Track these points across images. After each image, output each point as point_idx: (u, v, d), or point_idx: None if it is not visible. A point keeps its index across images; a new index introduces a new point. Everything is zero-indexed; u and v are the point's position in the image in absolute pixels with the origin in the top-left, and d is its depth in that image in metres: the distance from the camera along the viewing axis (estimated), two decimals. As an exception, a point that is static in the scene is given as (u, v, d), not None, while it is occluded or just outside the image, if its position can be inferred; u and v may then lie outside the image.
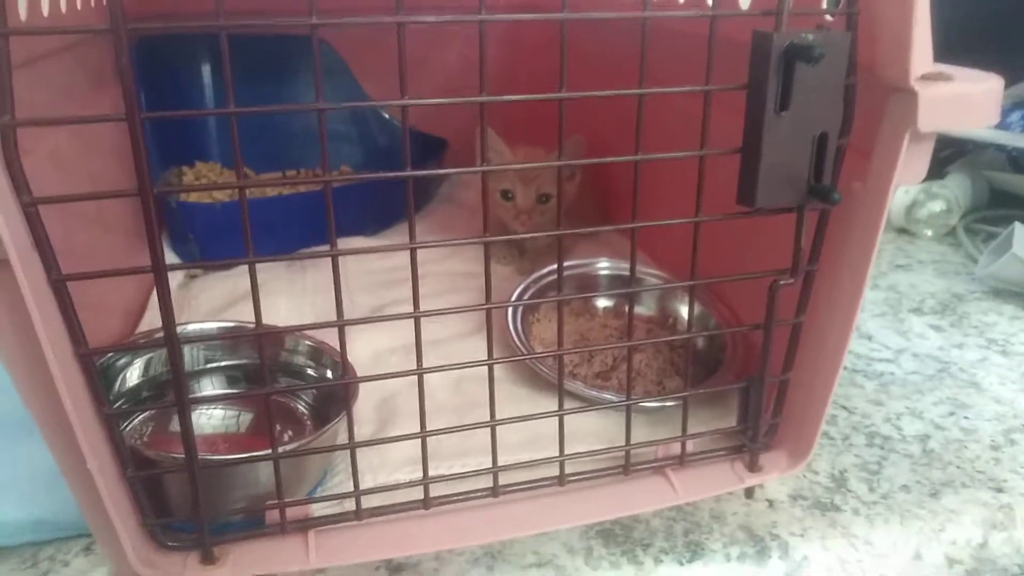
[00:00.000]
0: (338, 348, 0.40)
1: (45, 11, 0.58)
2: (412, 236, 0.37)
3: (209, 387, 0.55)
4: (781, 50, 0.37)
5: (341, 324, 0.39)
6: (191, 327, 0.54)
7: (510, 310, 0.63)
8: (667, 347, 0.63)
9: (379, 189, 0.89)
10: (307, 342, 0.56)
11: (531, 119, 0.78)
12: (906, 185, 0.43)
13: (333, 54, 1.02)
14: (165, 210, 0.79)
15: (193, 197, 0.88)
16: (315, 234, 0.82)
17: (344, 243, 0.82)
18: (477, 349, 0.62)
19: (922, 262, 0.96)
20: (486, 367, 0.42)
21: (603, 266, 0.70)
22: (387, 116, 1.07)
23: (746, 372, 0.59)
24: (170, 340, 0.36)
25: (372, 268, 0.79)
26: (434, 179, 1.04)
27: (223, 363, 0.55)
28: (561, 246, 0.42)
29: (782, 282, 0.43)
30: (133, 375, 0.52)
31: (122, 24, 0.29)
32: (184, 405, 0.37)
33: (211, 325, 0.55)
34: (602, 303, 0.68)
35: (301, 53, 1.01)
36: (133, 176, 0.32)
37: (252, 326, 0.51)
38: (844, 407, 0.65)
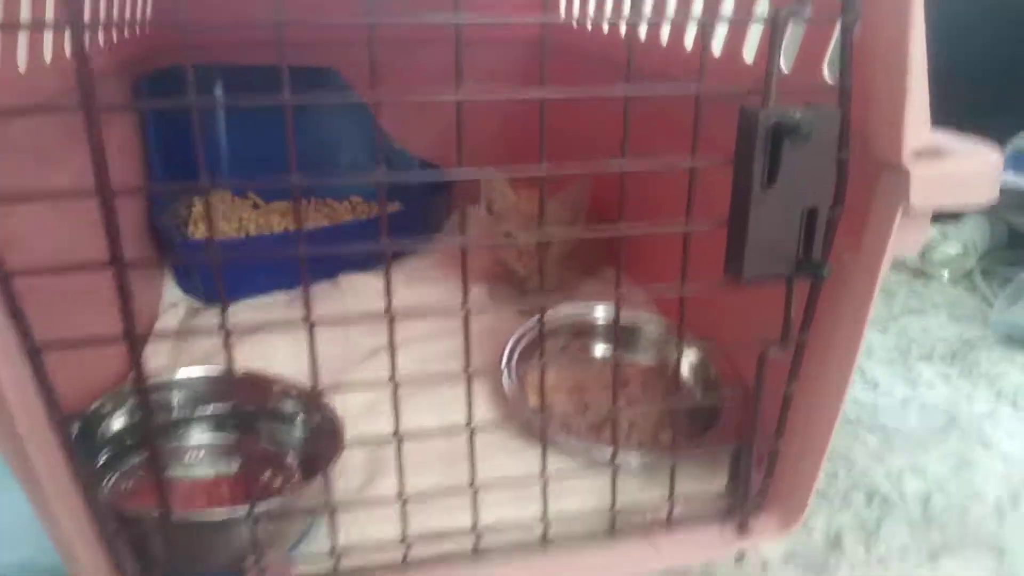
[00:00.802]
0: (330, 392, 0.40)
1: (22, 67, 0.55)
2: (388, 305, 0.37)
3: (198, 433, 0.55)
4: (768, 127, 0.36)
5: (320, 389, 0.39)
6: (180, 375, 0.54)
7: (506, 353, 0.63)
8: (663, 398, 0.63)
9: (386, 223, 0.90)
10: (297, 387, 0.55)
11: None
12: (902, 255, 0.42)
13: (344, 83, 1.03)
14: (169, 246, 0.79)
15: (200, 232, 0.89)
16: (321, 268, 0.82)
17: (347, 279, 0.82)
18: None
19: (936, 306, 0.94)
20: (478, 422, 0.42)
21: (601, 312, 0.69)
22: (398, 147, 1.08)
23: (744, 427, 0.58)
24: (145, 410, 0.36)
25: (378, 308, 0.78)
26: (444, 209, 1.04)
27: (211, 410, 0.55)
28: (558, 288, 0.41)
29: (772, 352, 0.43)
30: (118, 422, 0.51)
31: (93, 103, 0.29)
32: (159, 472, 0.37)
33: (198, 371, 0.55)
34: (600, 351, 0.68)
35: (316, 81, 1.01)
36: (128, 211, 0.32)
37: (240, 373, 0.52)
38: (845, 460, 0.64)
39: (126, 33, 0.82)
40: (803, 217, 0.39)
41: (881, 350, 0.82)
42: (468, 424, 0.41)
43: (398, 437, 0.40)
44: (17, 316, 0.33)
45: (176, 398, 0.54)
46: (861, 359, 0.79)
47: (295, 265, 0.79)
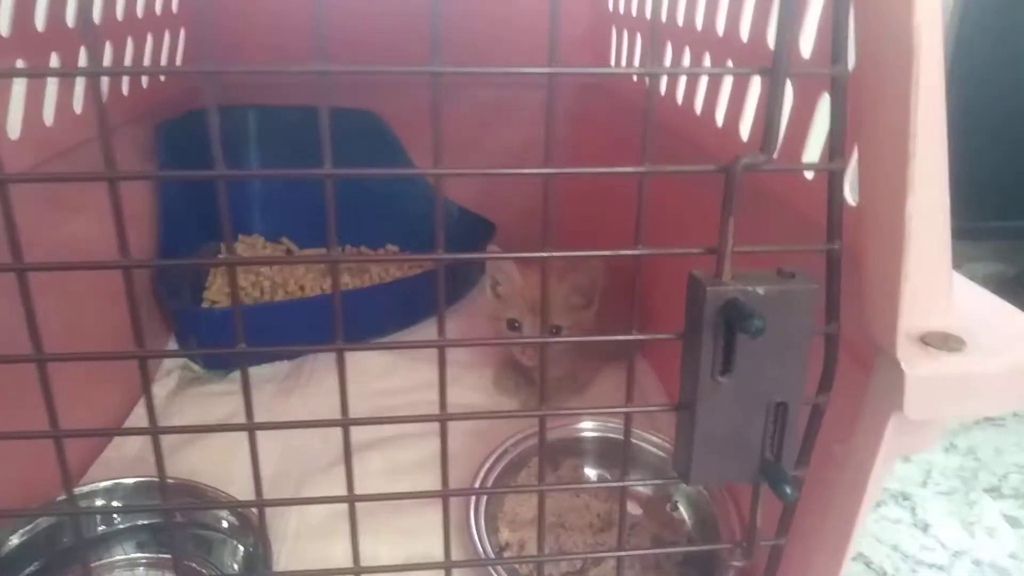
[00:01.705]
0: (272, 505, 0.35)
1: (78, 109, 0.64)
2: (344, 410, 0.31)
3: (124, 548, 0.50)
4: (719, 307, 0.29)
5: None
6: (102, 484, 0.50)
7: (482, 472, 0.56)
8: (653, 543, 0.54)
9: (407, 288, 0.85)
10: (233, 503, 0.51)
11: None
12: (904, 455, 0.34)
13: (383, 125, 0.99)
14: (174, 312, 0.77)
15: (216, 286, 0.87)
16: (324, 340, 0.78)
17: (349, 354, 0.77)
18: (434, 524, 0.55)
19: (1019, 417, 0.82)
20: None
21: (588, 427, 0.60)
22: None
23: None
24: None
25: (373, 389, 0.73)
26: (477, 265, 0.98)
27: (140, 522, 0.50)
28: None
29: (734, 560, 0.35)
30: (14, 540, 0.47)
31: None
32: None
33: (129, 480, 0.51)
34: (589, 474, 0.60)
35: (349, 123, 0.98)
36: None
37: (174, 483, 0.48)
38: (867, 634, 0.54)
39: (144, 83, 0.80)
40: (769, 412, 0.31)
41: (941, 476, 0.71)
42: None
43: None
44: None
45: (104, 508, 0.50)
46: (914, 488, 0.69)
47: (298, 335, 0.76)
